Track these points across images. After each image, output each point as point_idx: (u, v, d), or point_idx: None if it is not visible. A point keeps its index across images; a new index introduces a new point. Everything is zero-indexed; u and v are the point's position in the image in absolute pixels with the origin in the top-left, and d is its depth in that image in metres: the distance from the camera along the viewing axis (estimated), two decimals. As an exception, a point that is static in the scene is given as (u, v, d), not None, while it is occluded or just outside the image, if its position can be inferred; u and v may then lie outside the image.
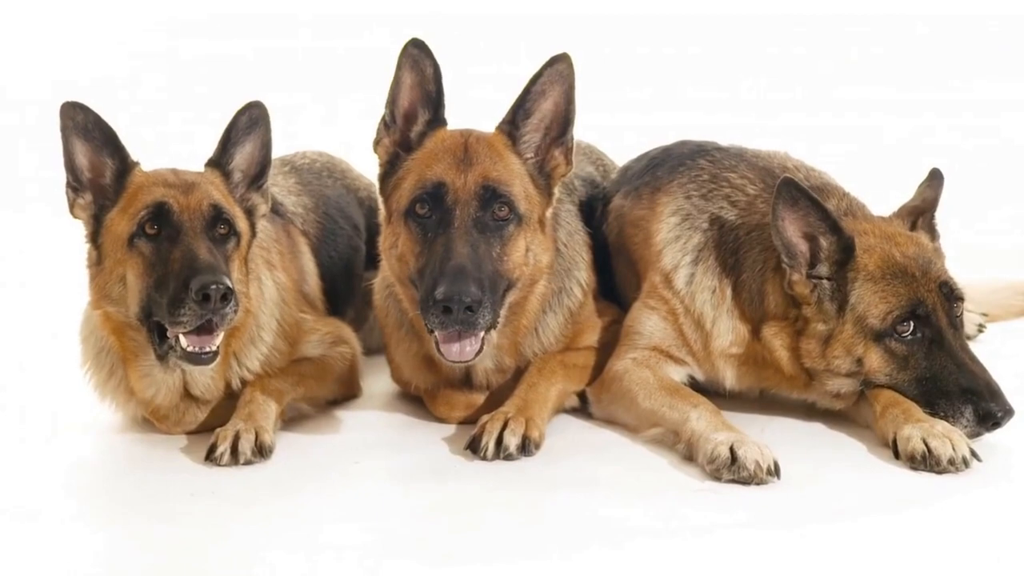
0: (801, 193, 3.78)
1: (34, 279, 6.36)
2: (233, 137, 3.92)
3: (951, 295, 3.82)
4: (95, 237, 3.85)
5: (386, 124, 3.93)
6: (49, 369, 4.83)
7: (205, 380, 3.92)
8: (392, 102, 3.90)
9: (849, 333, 3.78)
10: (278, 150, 4.19)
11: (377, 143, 3.95)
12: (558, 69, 3.83)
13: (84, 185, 3.85)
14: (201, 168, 3.95)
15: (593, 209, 4.53)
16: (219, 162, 3.93)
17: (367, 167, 4.77)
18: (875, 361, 3.77)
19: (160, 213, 3.72)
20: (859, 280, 3.78)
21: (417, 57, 3.83)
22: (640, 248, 4.24)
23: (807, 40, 9.04)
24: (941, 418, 3.66)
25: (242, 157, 3.94)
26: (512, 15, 8.84)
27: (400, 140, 3.93)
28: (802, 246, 3.82)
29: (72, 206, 3.87)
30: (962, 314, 3.87)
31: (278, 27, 8.84)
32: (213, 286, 3.54)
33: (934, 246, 3.99)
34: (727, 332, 4.00)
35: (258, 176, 3.97)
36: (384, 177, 3.95)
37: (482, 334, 3.71)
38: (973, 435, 3.65)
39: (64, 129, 3.80)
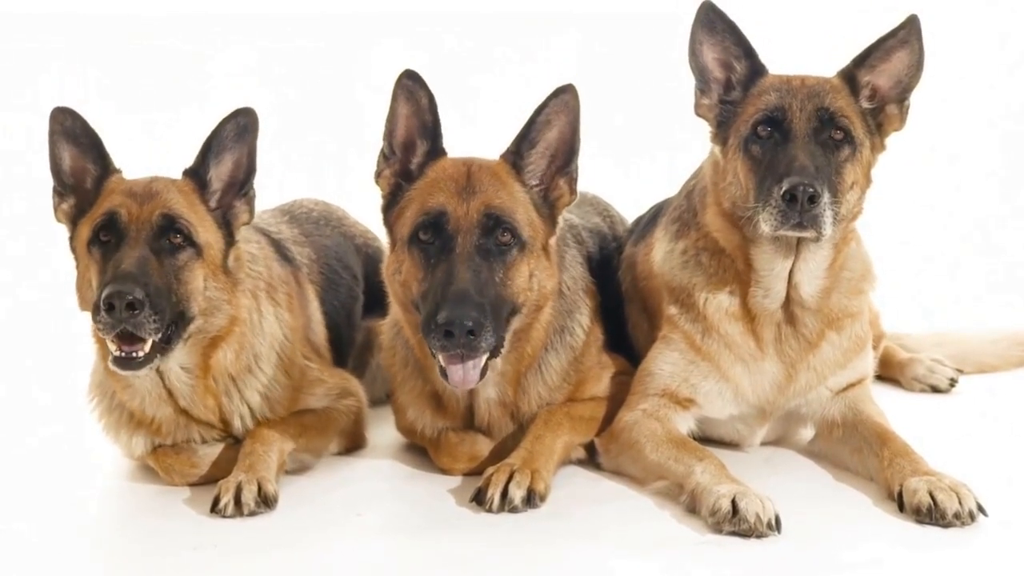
0: (718, 16, 3.96)
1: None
2: (215, 146, 3.92)
3: None
4: (72, 241, 3.89)
5: (385, 156, 3.97)
6: (56, 417, 4.84)
7: (187, 389, 3.91)
8: (389, 134, 3.94)
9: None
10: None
11: (378, 175, 3.99)
12: (563, 99, 3.89)
13: (68, 190, 3.89)
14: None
15: (610, 260, 4.60)
16: (196, 171, 3.93)
17: (362, 204, 4.77)
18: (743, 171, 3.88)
19: (111, 221, 3.76)
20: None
21: (411, 88, 3.87)
22: (654, 294, 4.28)
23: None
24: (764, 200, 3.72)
25: (227, 165, 3.93)
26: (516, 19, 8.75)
27: (401, 171, 3.97)
28: (717, 72, 3.98)
29: (56, 210, 3.92)
30: None
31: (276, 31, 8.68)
32: (117, 297, 3.55)
33: None
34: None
35: (244, 183, 3.97)
36: (387, 208, 3.99)
37: (485, 358, 3.73)
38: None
39: (52, 133, 3.86)
